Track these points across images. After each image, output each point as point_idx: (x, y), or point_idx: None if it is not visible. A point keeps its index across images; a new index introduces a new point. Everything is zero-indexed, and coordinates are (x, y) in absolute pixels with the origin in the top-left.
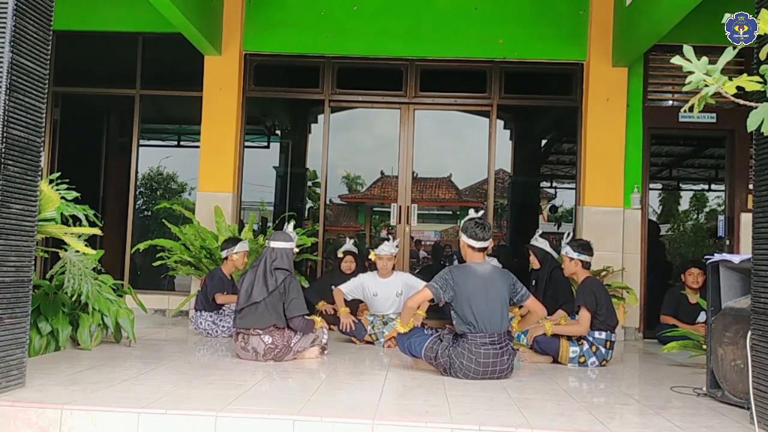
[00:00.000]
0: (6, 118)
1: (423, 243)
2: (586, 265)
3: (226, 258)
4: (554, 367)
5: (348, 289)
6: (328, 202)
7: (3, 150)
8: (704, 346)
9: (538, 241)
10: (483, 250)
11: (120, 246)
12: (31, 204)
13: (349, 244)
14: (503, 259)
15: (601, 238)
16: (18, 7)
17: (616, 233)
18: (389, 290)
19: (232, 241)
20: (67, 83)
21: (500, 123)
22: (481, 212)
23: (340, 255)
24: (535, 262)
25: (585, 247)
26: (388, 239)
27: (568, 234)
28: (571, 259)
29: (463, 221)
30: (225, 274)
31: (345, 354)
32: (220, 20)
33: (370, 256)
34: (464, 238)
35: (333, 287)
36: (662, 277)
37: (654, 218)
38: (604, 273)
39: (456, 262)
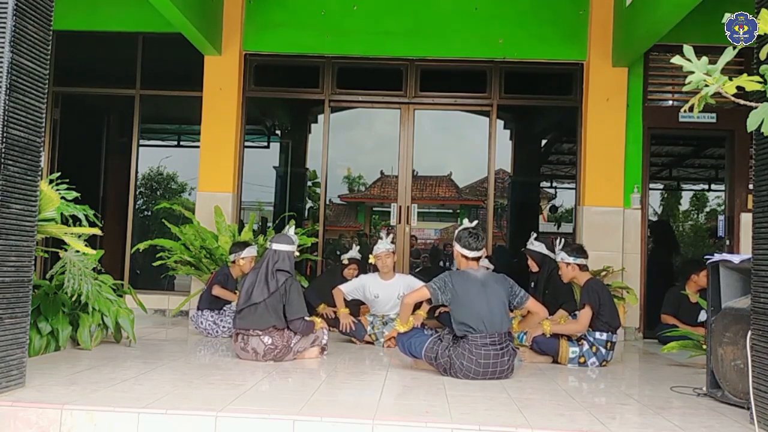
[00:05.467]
0: (6, 118)
1: (424, 241)
2: (584, 268)
3: (234, 262)
4: (554, 367)
5: (349, 289)
6: (328, 202)
7: (3, 150)
8: (704, 346)
9: (534, 245)
10: (477, 259)
11: (120, 246)
12: (31, 204)
13: (354, 251)
14: (503, 259)
15: (601, 238)
16: (18, 7)
17: (616, 233)
18: (391, 292)
19: (240, 245)
20: (67, 83)
21: (500, 123)
22: (475, 222)
23: (344, 261)
24: (533, 266)
25: (579, 251)
26: (381, 238)
27: (560, 241)
28: (568, 264)
29: (456, 231)
30: (233, 274)
31: (345, 354)
32: (220, 20)
33: (370, 260)
34: (458, 248)
35: (333, 289)
36: (668, 278)
37: (655, 218)
38: (604, 273)
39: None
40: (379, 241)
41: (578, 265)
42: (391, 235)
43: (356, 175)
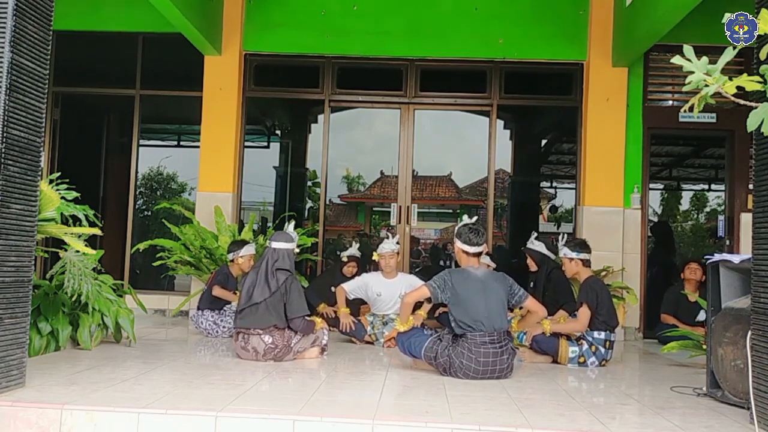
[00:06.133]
0: (6, 118)
1: (424, 241)
2: (586, 264)
3: (233, 260)
4: (554, 367)
5: (351, 287)
6: (328, 202)
7: (3, 150)
8: (704, 346)
9: (534, 244)
10: (477, 255)
11: (120, 246)
12: (31, 204)
13: (353, 249)
14: (503, 259)
15: (601, 238)
16: (18, 7)
17: (616, 233)
18: (393, 291)
19: (239, 244)
20: (67, 83)
21: (500, 123)
22: (475, 218)
23: (344, 259)
24: (532, 265)
25: (582, 246)
26: (387, 238)
27: (563, 236)
28: (571, 259)
29: (457, 227)
30: (232, 273)
31: (345, 354)
32: (220, 20)
33: (374, 257)
34: (459, 244)
35: (333, 288)
36: (668, 278)
37: (654, 218)
38: (604, 273)
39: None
40: (385, 240)
41: (581, 260)
42: (398, 236)
43: (356, 175)
